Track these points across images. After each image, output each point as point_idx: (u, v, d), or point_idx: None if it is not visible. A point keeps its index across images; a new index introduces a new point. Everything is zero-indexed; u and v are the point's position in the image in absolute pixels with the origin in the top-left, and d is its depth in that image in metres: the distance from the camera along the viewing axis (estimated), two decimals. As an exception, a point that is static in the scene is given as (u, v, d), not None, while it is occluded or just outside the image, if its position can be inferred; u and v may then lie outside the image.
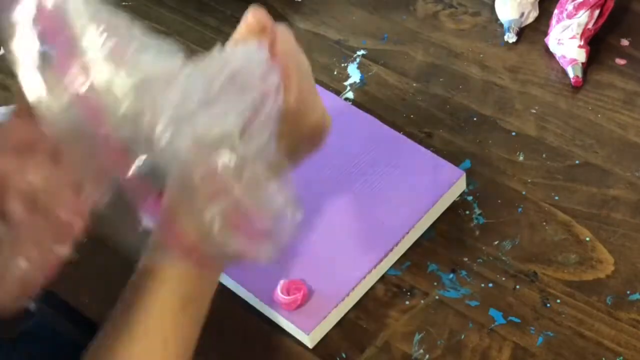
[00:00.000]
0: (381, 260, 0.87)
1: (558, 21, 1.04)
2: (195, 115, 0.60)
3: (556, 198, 0.93)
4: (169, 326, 0.69)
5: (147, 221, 0.64)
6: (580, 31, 1.02)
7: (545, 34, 1.06)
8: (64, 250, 0.66)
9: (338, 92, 1.03)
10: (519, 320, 0.85)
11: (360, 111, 1.00)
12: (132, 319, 0.69)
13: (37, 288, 0.65)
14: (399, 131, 0.98)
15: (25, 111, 0.61)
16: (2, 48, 0.61)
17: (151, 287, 0.69)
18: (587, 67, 1.03)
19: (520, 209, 0.92)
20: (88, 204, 0.69)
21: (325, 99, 1.00)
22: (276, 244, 0.63)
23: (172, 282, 0.69)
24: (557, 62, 1.04)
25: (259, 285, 0.86)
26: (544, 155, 0.97)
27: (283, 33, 0.71)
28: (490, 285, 0.87)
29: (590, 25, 1.03)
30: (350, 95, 1.04)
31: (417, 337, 0.84)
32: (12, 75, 0.60)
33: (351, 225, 0.90)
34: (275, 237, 0.63)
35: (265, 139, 0.63)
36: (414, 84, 1.05)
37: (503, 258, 0.89)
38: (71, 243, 0.67)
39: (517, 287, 0.87)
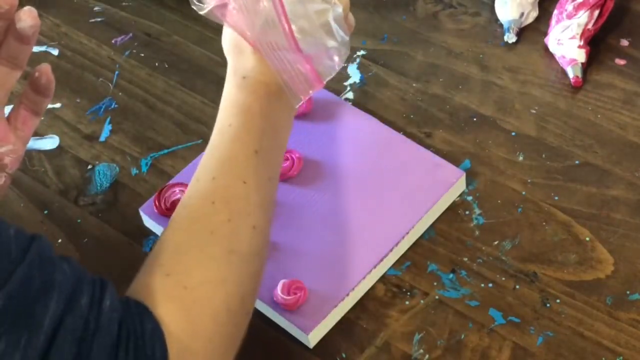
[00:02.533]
0: (381, 260, 0.87)
1: (558, 21, 1.04)
2: None
3: (556, 198, 0.93)
4: (243, 166, 0.76)
5: None
6: (580, 31, 1.02)
7: (545, 34, 1.06)
8: None
9: (338, 92, 1.03)
10: (518, 320, 0.85)
11: (360, 111, 1.00)
12: (210, 164, 0.76)
13: None
14: (399, 131, 0.98)
15: None
16: None
17: (223, 140, 0.77)
18: (586, 67, 1.03)
19: (520, 209, 0.92)
20: (21, 134, 0.69)
21: (325, 99, 1.01)
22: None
23: (242, 132, 0.76)
24: (557, 62, 1.04)
25: (259, 285, 0.86)
26: (543, 155, 0.97)
27: None
28: (490, 285, 0.87)
29: (590, 26, 1.03)
30: (350, 95, 1.04)
31: (417, 337, 0.84)
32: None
33: (351, 225, 0.90)
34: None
35: None
36: (414, 84, 1.05)
37: (503, 258, 0.89)
38: (4, 174, 0.67)
39: (517, 287, 0.87)
